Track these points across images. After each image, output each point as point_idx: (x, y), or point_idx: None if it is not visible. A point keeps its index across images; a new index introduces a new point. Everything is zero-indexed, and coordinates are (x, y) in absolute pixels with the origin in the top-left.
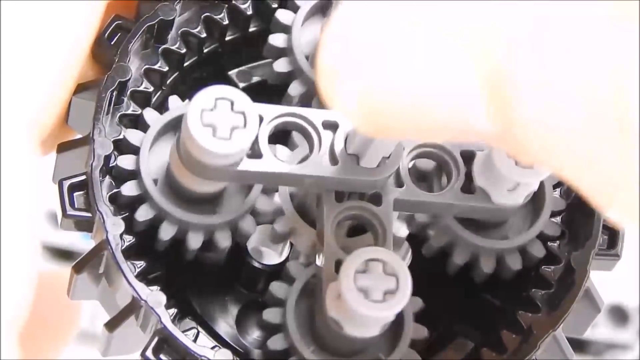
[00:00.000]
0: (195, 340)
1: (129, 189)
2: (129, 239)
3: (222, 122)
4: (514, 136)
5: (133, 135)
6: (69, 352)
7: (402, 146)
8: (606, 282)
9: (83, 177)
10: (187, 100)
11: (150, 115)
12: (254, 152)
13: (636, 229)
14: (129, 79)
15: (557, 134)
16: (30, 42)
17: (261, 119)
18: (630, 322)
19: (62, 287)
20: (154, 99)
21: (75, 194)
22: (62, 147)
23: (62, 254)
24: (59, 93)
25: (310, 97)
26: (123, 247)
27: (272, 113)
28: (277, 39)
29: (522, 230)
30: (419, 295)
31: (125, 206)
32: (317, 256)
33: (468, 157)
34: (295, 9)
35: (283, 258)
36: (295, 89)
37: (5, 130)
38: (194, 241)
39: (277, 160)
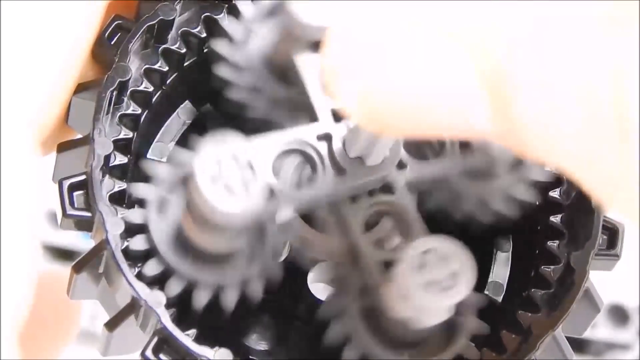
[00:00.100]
0: (195, 340)
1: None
2: (128, 239)
3: (233, 180)
4: (515, 135)
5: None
6: (69, 352)
7: None
8: (606, 282)
9: (83, 177)
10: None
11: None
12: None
13: (636, 228)
14: (129, 79)
15: (557, 134)
16: (31, 42)
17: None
18: (630, 322)
19: (62, 287)
20: (154, 99)
21: (75, 193)
22: (62, 147)
23: (62, 254)
24: (59, 93)
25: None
26: (123, 247)
27: (271, 148)
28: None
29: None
30: (367, 340)
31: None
32: (343, 262)
33: None
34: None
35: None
36: (235, 92)
37: (5, 130)
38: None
39: (290, 192)
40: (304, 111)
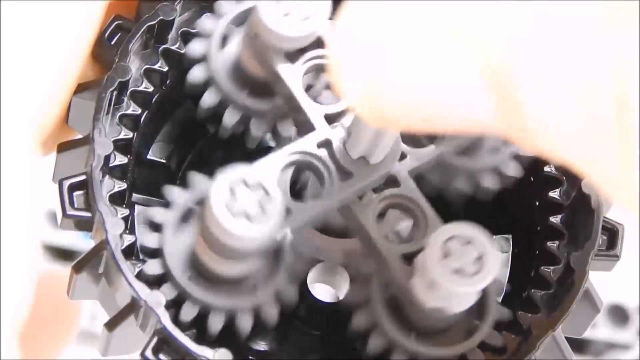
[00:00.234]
0: (194, 340)
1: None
2: (128, 239)
3: (249, 205)
4: (519, 131)
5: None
6: (69, 352)
7: None
8: (606, 282)
9: (83, 177)
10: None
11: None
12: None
13: (636, 228)
14: (129, 79)
15: (559, 133)
16: (31, 43)
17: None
18: (630, 322)
19: (62, 287)
20: (154, 99)
21: (75, 193)
22: (62, 147)
23: (62, 254)
24: (59, 93)
25: (224, 107)
26: (123, 247)
27: (277, 165)
28: (195, 47)
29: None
30: (390, 327)
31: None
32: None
33: None
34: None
35: None
36: (208, 98)
37: (5, 130)
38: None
39: (303, 208)
40: (286, 121)
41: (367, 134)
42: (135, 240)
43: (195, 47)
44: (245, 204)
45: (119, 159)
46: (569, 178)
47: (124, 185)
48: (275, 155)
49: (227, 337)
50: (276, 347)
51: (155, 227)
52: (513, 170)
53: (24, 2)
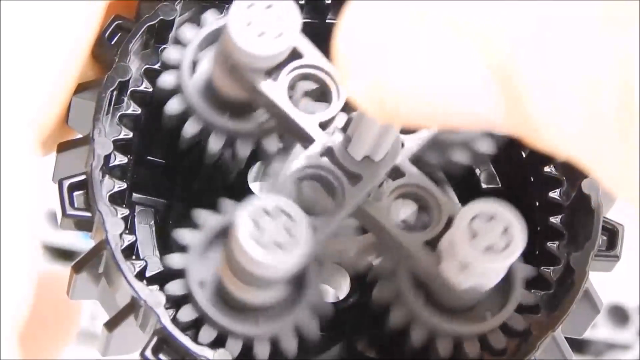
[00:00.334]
0: (194, 340)
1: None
2: (128, 239)
3: (277, 234)
4: (525, 127)
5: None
6: (69, 352)
7: None
8: (606, 282)
9: (83, 177)
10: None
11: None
12: None
13: (636, 228)
14: (129, 79)
15: (562, 131)
16: (31, 43)
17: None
18: (630, 322)
19: (62, 287)
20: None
21: (75, 193)
22: (62, 147)
23: (62, 254)
24: (59, 93)
25: (207, 134)
26: (122, 247)
27: (289, 184)
28: (166, 79)
29: None
30: (414, 300)
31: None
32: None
33: None
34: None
35: None
36: (190, 127)
37: (5, 130)
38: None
39: (326, 222)
40: (270, 136)
41: (373, 132)
42: (136, 240)
43: (166, 79)
44: (273, 233)
45: (119, 159)
46: (569, 178)
47: (124, 185)
48: (284, 176)
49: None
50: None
51: (181, 248)
52: (486, 147)
53: (24, 2)
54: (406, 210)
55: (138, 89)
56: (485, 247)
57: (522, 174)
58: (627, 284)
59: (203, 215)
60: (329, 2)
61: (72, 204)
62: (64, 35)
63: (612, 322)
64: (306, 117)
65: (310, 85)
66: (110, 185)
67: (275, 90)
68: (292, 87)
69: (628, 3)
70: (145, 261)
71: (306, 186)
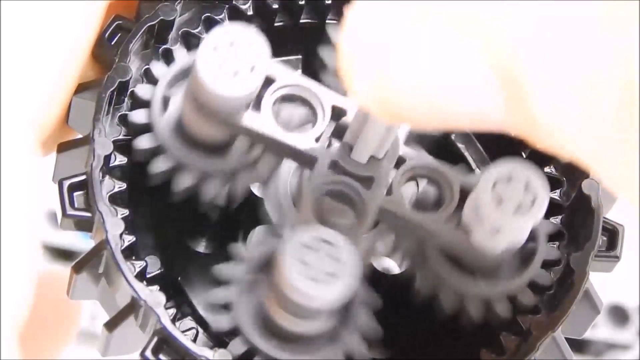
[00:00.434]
0: (194, 341)
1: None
2: (128, 239)
3: (325, 265)
4: (528, 127)
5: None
6: (69, 352)
7: None
8: (606, 282)
9: (83, 177)
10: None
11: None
12: None
13: (636, 228)
14: (129, 79)
15: (562, 132)
16: (31, 43)
17: None
18: (630, 322)
19: (62, 287)
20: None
21: (75, 193)
22: (62, 147)
23: (62, 254)
24: (59, 93)
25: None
26: (122, 247)
27: (314, 210)
28: (137, 116)
29: None
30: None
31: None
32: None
33: None
34: (154, 81)
35: None
36: (159, 164)
37: (5, 130)
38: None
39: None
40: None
41: (378, 133)
42: (136, 240)
43: (137, 116)
44: (320, 264)
45: (119, 159)
46: (569, 179)
47: (124, 185)
48: (306, 202)
49: None
50: None
51: (224, 282)
52: None
53: (24, 2)
54: (416, 190)
55: None
56: (514, 208)
57: None
58: (627, 284)
59: (242, 249)
60: (329, 2)
61: (72, 204)
62: (64, 35)
63: (612, 322)
64: (302, 137)
65: (296, 108)
66: (110, 185)
67: (260, 120)
68: (277, 112)
69: (628, 3)
70: (146, 261)
71: (326, 207)
